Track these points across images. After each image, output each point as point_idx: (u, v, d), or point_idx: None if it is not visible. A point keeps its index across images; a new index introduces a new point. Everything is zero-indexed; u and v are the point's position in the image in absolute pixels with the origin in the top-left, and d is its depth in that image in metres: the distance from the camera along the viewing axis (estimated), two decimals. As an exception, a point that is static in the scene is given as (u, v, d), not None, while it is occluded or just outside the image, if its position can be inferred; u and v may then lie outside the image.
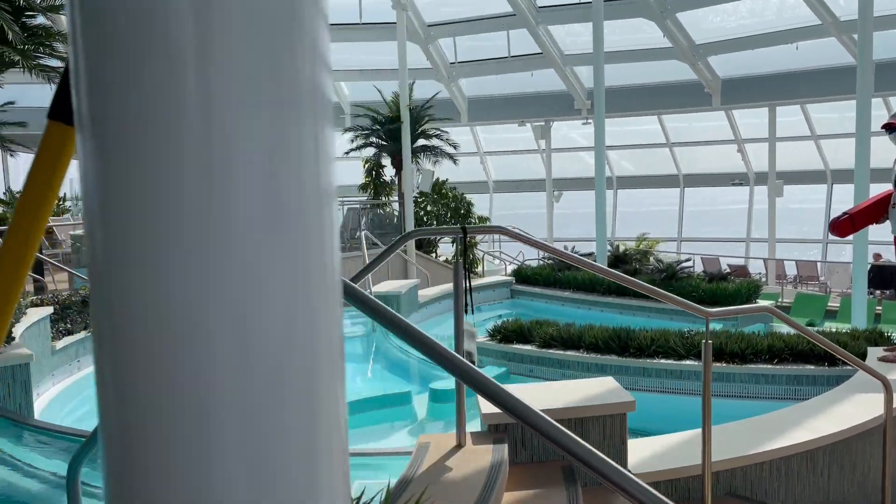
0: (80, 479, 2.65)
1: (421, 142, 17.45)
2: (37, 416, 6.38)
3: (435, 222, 17.32)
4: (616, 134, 24.02)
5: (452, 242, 17.52)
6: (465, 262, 3.33)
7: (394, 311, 1.73)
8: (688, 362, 6.30)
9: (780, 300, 14.48)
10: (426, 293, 12.33)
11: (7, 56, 9.48)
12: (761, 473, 3.95)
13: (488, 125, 24.14)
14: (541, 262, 15.29)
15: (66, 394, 7.13)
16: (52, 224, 13.73)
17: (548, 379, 6.91)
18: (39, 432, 4.12)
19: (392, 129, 16.51)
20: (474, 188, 26.09)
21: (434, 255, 17.49)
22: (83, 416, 6.64)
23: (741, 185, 22.11)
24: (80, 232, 11.93)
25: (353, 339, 10.03)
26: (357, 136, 17.12)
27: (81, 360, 7.71)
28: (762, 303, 11.32)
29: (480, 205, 26.60)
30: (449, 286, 13.18)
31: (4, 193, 17.65)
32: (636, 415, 6.12)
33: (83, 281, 9.69)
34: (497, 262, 20.45)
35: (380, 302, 1.76)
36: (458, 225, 3.07)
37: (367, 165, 17.40)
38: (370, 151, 17.33)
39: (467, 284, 3.34)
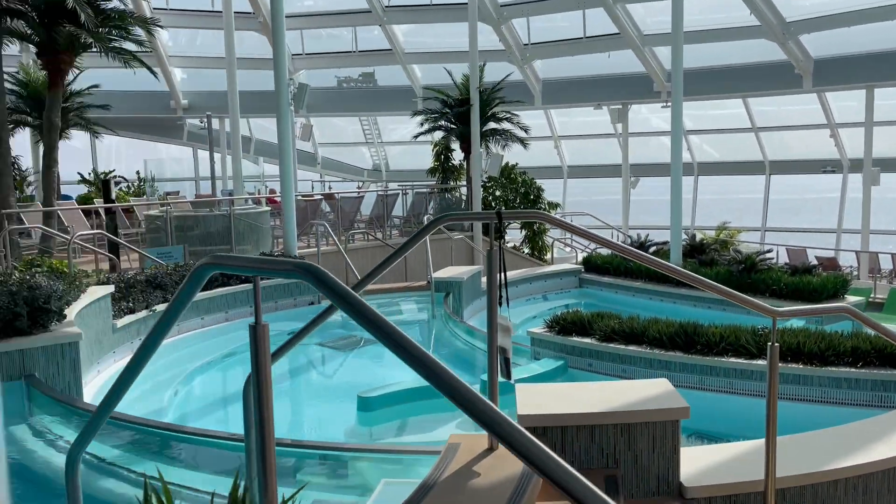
0: (79, 467, 2.54)
1: (491, 125, 17.10)
2: (95, 392, 6.48)
3: (504, 207, 16.98)
4: (698, 118, 23.01)
5: (522, 229, 17.18)
6: (501, 251, 3.05)
7: (361, 301, 1.49)
8: (759, 362, 5.83)
9: (872, 296, 13.51)
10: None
11: (82, 38, 9.71)
12: (835, 492, 3.53)
13: (563, 108, 23.54)
14: (611, 251, 14.79)
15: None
16: (132, 204, 14.12)
17: (607, 375, 6.57)
18: (84, 415, 4.07)
19: (461, 113, 16.23)
20: (548, 173, 25.57)
21: (502, 240, 17.19)
22: (140, 395, 6.71)
23: (833, 172, 20.80)
24: (154, 212, 12.21)
25: (412, 325, 9.88)
26: (426, 120, 16.93)
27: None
28: (852, 298, 10.52)
29: (554, 190, 26.09)
30: (514, 274, 12.91)
31: (89, 174, 18.37)
32: (700, 416, 5.70)
33: (153, 261, 9.88)
34: (568, 249, 19.98)
35: (348, 290, 1.52)
36: (494, 210, 2.79)
37: (435, 149, 17.20)
38: (440, 135, 17.10)
39: (502, 276, 3.06)
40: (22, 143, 18.06)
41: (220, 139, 20.65)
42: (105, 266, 10.96)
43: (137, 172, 18.65)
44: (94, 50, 11.06)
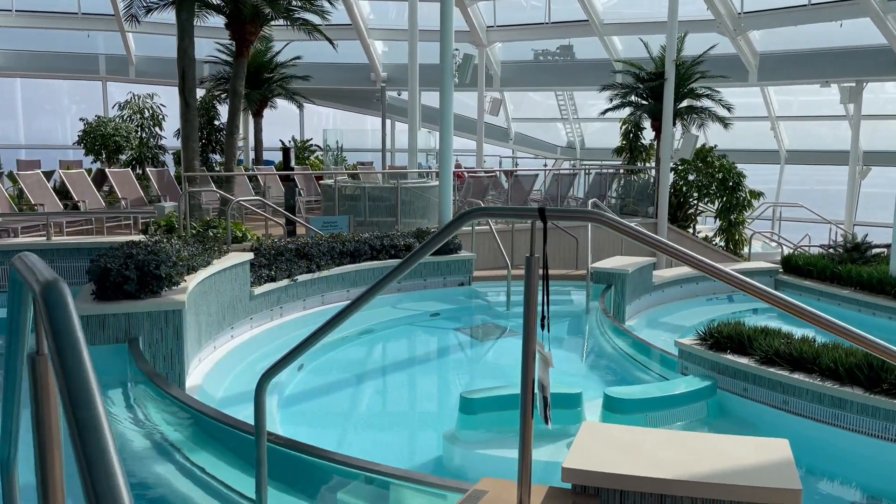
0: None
1: (688, 102, 15.55)
2: (221, 356, 6.60)
3: (696, 193, 15.44)
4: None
5: (716, 218, 15.51)
6: (545, 259, 2.36)
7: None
8: (971, 417, 4.48)
9: None
10: (664, 274, 10.93)
11: (264, 10, 10.03)
12: None
13: (783, 85, 20.95)
14: (821, 251, 12.83)
15: (261, 337, 7.35)
16: (302, 172, 14.61)
17: (765, 404, 5.47)
18: (186, 410, 3.92)
19: (654, 88, 14.90)
20: (761, 157, 23.08)
21: (692, 230, 15.68)
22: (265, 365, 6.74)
23: None
24: (329, 182, 12.49)
25: (561, 320, 9.14)
26: (616, 95, 15.77)
27: (284, 307, 7.92)
28: None
29: (768, 177, 23.50)
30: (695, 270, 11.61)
31: (289, 141, 19.46)
32: (880, 474, 4.51)
33: (314, 232, 10.06)
34: (773, 244, 17.84)
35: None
36: (537, 206, 2.12)
37: (624, 127, 16.00)
38: (627, 112, 15.88)
39: (544, 293, 2.37)
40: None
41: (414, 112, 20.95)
42: (277, 231, 11.40)
43: (336, 141, 19.42)
44: (281, 23, 11.44)
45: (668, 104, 14.02)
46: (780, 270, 11.70)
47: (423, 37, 14.48)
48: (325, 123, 26.82)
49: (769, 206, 18.24)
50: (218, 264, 6.59)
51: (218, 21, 11.34)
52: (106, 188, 14.38)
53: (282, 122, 23.93)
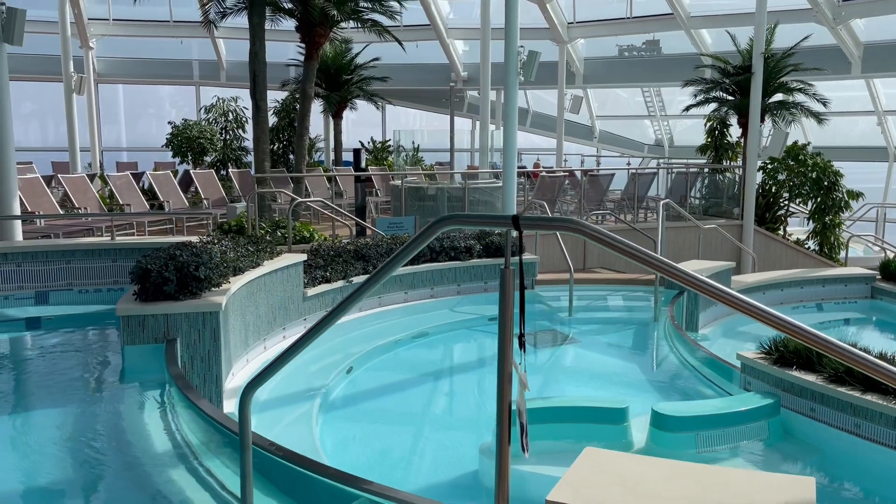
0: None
1: (778, 97, 14.64)
2: (273, 356, 6.64)
3: (787, 195, 14.52)
4: None
5: (809, 219, 14.52)
6: (521, 271, 2.15)
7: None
8: None
9: None
10: (745, 279, 10.30)
11: (330, 12, 10.10)
12: None
13: (891, 77, 19.46)
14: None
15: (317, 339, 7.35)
16: (371, 173, 14.63)
17: (834, 427, 4.98)
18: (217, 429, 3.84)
19: (740, 82, 14.10)
20: (868, 155, 21.59)
21: (782, 232, 14.76)
22: (325, 367, 6.72)
23: None
24: (397, 182, 12.49)
25: (627, 327, 8.74)
26: (700, 91, 15.04)
27: (340, 308, 7.90)
28: None
29: (874, 176, 21.92)
30: (783, 274, 10.88)
31: (369, 142, 19.65)
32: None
33: (377, 232, 10.05)
34: (877, 248, 16.58)
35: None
36: (512, 214, 1.94)
37: (708, 124, 15.23)
38: (712, 108, 15.10)
39: (520, 309, 2.16)
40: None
41: (496, 112, 20.74)
42: (344, 232, 11.48)
43: (412, 142, 19.50)
44: (353, 25, 11.51)
45: (755, 99, 13.25)
46: (878, 277, 10.81)
47: (497, 35, 14.26)
48: (410, 124, 27.03)
49: (872, 206, 16.96)
50: (268, 265, 6.63)
51: (291, 24, 11.53)
52: (193, 189, 14.93)
53: (368, 123, 24.29)
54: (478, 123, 24.60)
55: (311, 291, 7.42)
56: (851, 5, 16.92)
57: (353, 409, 6.19)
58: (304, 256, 7.37)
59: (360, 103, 19.94)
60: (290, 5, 10.66)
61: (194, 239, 6.80)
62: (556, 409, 5.05)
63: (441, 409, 6.34)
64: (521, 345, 2.24)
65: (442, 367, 7.52)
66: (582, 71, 22.09)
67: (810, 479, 2.44)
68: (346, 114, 19.60)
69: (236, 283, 5.80)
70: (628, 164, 20.41)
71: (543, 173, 14.24)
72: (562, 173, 14.50)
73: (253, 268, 6.34)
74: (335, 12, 10.19)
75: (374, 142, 19.23)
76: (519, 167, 19.89)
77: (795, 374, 5.28)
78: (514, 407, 2.27)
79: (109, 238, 7.30)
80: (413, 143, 18.37)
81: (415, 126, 26.99)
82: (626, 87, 24.64)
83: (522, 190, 14.90)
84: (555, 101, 20.60)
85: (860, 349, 2.00)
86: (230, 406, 5.30)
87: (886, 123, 20.95)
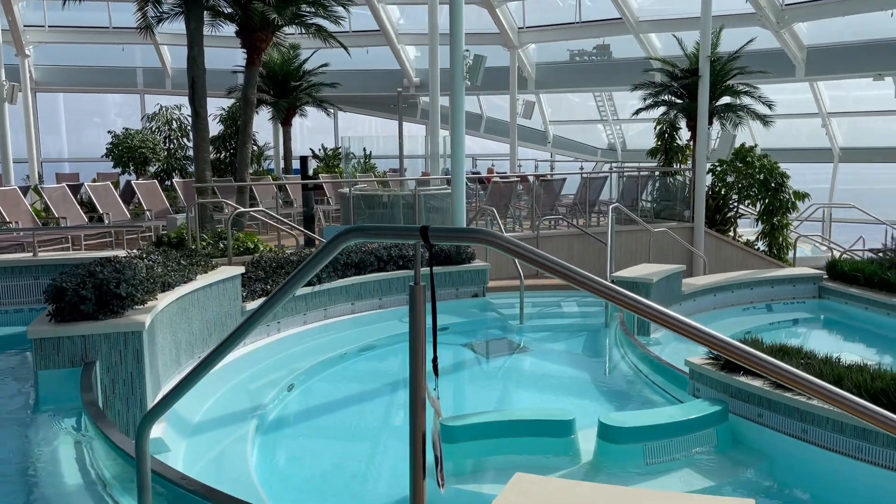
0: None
1: (725, 100, 14.78)
2: (208, 375, 6.32)
3: (736, 196, 14.65)
4: None
5: (759, 220, 14.66)
6: (433, 286, 1.95)
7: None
8: None
9: None
10: (696, 282, 10.28)
11: (266, 14, 9.81)
12: None
13: (833, 80, 19.87)
14: (869, 255, 11.97)
15: (255, 355, 7.05)
16: (319, 181, 14.35)
17: (782, 433, 4.89)
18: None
19: (688, 85, 14.20)
20: (815, 156, 22.01)
21: (732, 233, 14.88)
22: (264, 385, 6.42)
23: None
24: (344, 190, 12.23)
25: (577, 335, 8.62)
26: (648, 95, 15.11)
27: (283, 323, 7.61)
28: None
29: (820, 177, 22.36)
30: (731, 276, 10.90)
31: (320, 150, 19.32)
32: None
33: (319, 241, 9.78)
34: (824, 248, 16.86)
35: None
36: (420, 226, 1.72)
37: (658, 128, 15.31)
38: (662, 111, 15.18)
39: (433, 329, 1.96)
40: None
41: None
42: (291, 242, 11.18)
43: (364, 148, 19.24)
44: (298, 31, 11.22)
45: (702, 102, 13.33)
46: (825, 277, 10.91)
47: (446, 40, 14.10)
48: (366, 131, 26.69)
49: (818, 207, 17.25)
50: (202, 280, 6.32)
51: (233, 29, 11.18)
52: (136, 200, 14.44)
53: (324, 130, 23.92)
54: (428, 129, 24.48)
55: (251, 305, 7.12)
56: (794, 9, 17.23)
57: (293, 430, 5.91)
58: (241, 269, 7.08)
59: (313, 110, 19.61)
60: (230, 9, 10.35)
61: (121, 253, 6.46)
62: (500, 423, 4.87)
63: (381, 427, 6.10)
64: (435, 369, 2.04)
65: (386, 383, 7.28)
66: (534, 76, 22.11)
67: (749, 500, 2.28)
68: (301, 121, 19.27)
69: (164, 300, 5.50)
70: (581, 168, 20.45)
71: (496, 179, 14.13)
72: (515, 178, 14.40)
73: (185, 282, 6.03)
74: (276, 16, 9.91)
75: (324, 149, 18.91)
76: (473, 173, 19.84)
77: (742, 379, 5.19)
78: (429, 437, 2.06)
79: (31, 254, 6.90)
80: (365, 149, 18.11)
81: (371, 132, 26.70)
82: (577, 92, 24.75)
83: (476, 196, 14.77)
84: (506, 107, 20.56)
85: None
86: (159, 431, 5.00)
87: (830, 125, 21.39)
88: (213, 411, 5.79)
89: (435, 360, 2.02)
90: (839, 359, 5.11)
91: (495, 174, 18.05)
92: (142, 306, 5.14)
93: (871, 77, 17.94)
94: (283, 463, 5.44)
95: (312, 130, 24.45)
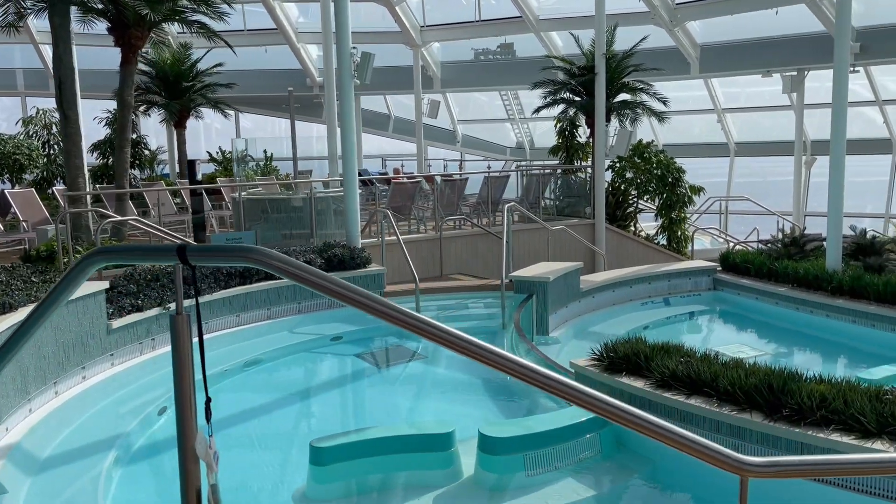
0: None
1: (622, 97, 14.99)
2: (67, 402, 5.77)
3: (635, 192, 14.87)
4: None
5: (657, 215, 14.93)
6: (199, 317, 1.64)
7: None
8: (879, 445, 3.85)
9: None
10: (594, 279, 10.29)
11: (138, 10, 9.20)
12: None
13: (725, 77, 20.57)
14: (760, 246, 12.32)
15: (125, 376, 6.53)
16: (210, 186, 13.74)
17: (663, 433, 4.79)
18: None
19: (586, 83, 14.31)
20: (712, 151, 22.74)
21: (633, 229, 15.11)
22: (132, 409, 5.92)
23: None
24: (235, 195, 11.68)
25: (476, 336, 8.45)
26: (548, 93, 15.16)
27: (157, 340, 7.09)
28: None
29: (718, 171, 23.14)
30: (630, 271, 10.98)
31: (217, 153, 18.56)
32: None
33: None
34: (721, 239, 17.36)
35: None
36: (177, 244, 1.37)
37: (558, 125, 15.39)
38: (560, 110, 15.27)
39: (202, 366, 1.65)
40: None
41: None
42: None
43: (264, 150, 18.58)
44: (179, 28, 10.61)
45: (599, 99, 13.45)
46: (719, 269, 11.13)
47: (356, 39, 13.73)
48: (273, 132, 25.89)
49: (714, 200, 17.77)
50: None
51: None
52: (13, 211, 13.40)
53: (229, 133, 23.03)
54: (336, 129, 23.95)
55: (119, 323, 6.59)
56: (686, 8, 17.67)
57: (160, 459, 5.44)
58: (105, 284, 6.52)
59: (212, 112, 18.82)
60: (101, 5, 9.66)
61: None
62: (373, 441, 4.58)
63: (262, 451, 5.70)
64: (207, 414, 1.73)
65: (270, 401, 6.88)
66: (439, 75, 21.95)
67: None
68: (206, 124, 18.45)
69: (2, 323, 4.95)
70: (488, 167, 20.42)
71: (402, 178, 13.84)
72: (420, 178, 14.15)
73: (31, 302, 5.48)
74: (149, 12, 9.30)
75: (222, 152, 18.17)
76: (381, 173, 19.48)
77: (624, 380, 5.10)
78: (204, 497, 1.74)
79: None
80: (265, 151, 17.48)
81: (281, 134, 25.93)
82: (483, 91, 24.75)
83: (378, 197, 14.44)
84: (412, 105, 20.32)
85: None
86: (-2, 469, 4.48)
87: (725, 121, 22.15)
88: (68, 443, 5.27)
89: (208, 403, 1.71)
90: (717, 355, 5.08)
91: (402, 174, 17.78)
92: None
93: (760, 73, 18.62)
94: (145, 499, 4.99)
95: (221, 133, 23.54)
